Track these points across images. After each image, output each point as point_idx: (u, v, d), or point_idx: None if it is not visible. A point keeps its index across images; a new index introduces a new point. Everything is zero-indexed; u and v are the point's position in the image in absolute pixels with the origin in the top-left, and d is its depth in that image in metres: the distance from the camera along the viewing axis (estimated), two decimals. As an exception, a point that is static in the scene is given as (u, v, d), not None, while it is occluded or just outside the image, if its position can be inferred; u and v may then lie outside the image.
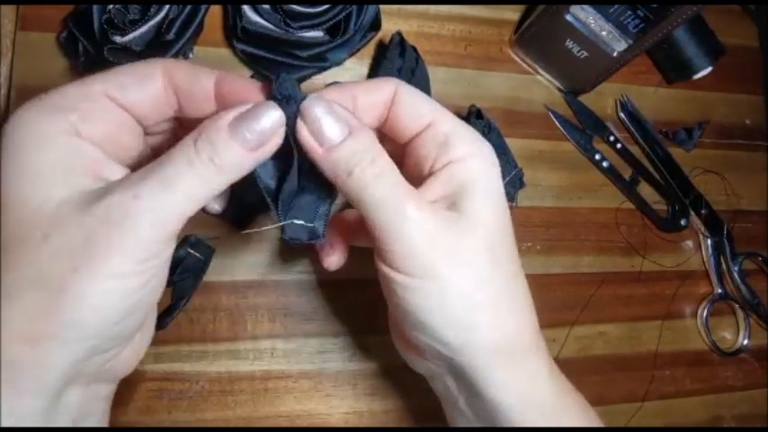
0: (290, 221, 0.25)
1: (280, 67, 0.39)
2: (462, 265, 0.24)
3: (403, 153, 0.27)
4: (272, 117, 0.22)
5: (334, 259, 0.30)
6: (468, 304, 0.24)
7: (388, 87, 0.25)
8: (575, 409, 0.27)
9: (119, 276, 0.20)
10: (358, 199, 0.23)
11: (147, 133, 0.26)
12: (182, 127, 0.27)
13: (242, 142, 0.22)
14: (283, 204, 0.24)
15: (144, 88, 0.23)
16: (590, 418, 0.27)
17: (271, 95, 0.23)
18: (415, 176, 0.26)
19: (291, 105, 0.23)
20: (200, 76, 0.24)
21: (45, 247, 0.20)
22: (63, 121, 0.21)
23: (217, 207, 0.27)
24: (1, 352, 0.20)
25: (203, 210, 0.29)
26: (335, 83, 0.41)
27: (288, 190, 0.25)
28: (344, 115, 0.23)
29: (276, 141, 0.23)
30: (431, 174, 0.25)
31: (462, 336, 0.24)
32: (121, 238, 0.20)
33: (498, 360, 0.25)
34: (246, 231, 0.37)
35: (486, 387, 0.25)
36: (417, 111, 0.26)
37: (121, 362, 0.24)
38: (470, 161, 0.25)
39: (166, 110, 0.25)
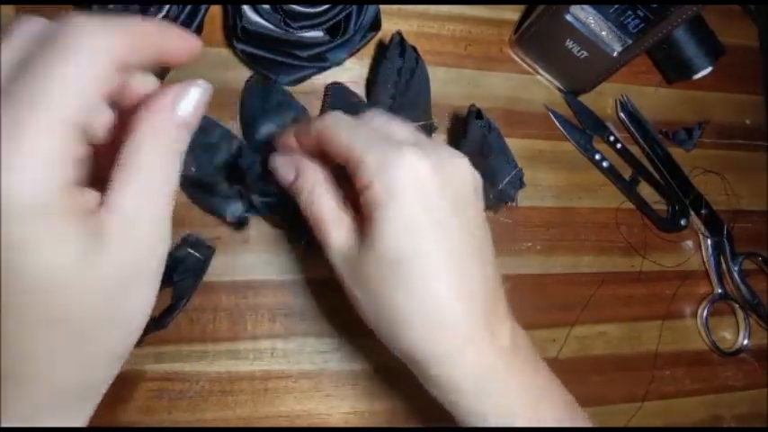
0: None
1: (280, 67, 0.39)
2: (363, 284, 0.28)
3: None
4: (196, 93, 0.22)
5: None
6: (377, 321, 0.28)
7: (317, 126, 0.29)
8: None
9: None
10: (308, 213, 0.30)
11: None
12: None
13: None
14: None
15: None
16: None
17: None
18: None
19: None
20: None
21: None
22: None
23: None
24: None
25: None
26: (335, 83, 0.41)
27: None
28: (294, 161, 0.31)
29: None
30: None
31: (392, 345, 0.28)
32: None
33: (434, 359, 0.27)
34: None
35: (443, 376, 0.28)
36: (333, 146, 0.28)
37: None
38: (369, 191, 0.26)
39: None
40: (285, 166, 0.31)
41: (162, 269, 0.22)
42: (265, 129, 0.39)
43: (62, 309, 0.19)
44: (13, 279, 0.18)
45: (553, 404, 0.29)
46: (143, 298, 0.22)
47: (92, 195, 0.20)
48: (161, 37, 0.21)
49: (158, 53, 0.21)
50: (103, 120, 0.21)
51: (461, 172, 0.28)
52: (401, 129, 0.29)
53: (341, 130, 0.28)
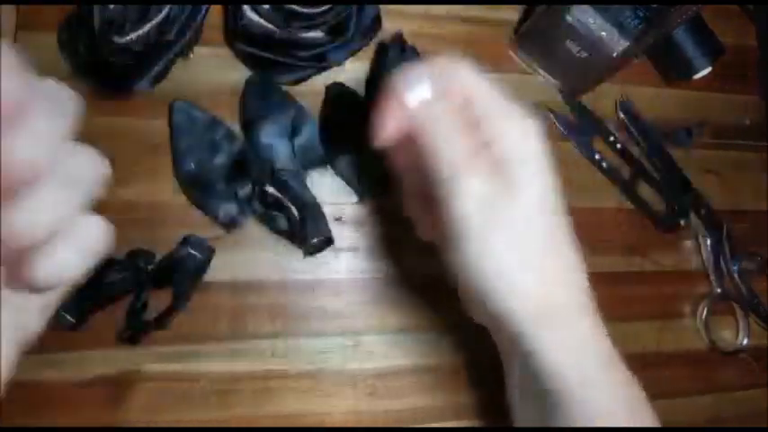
0: None
1: (280, 67, 0.39)
2: (498, 228, 0.26)
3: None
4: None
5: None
6: (500, 268, 0.26)
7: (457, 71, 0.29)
8: (618, 378, 0.28)
9: None
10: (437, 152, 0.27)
11: None
12: None
13: None
14: None
15: None
16: (631, 396, 0.28)
17: None
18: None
19: None
20: None
21: None
22: None
23: None
24: None
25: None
26: (335, 83, 0.41)
27: None
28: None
29: None
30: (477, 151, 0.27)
31: (499, 305, 0.26)
32: None
33: (539, 324, 0.26)
34: None
35: (532, 352, 0.26)
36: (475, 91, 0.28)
37: None
38: (505, 140, 0.27)
39: None
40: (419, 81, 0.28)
41: None
42: (266, 130, 0.39)
43: None
44: None
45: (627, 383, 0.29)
46: None
47: None
48: None
49: None
50: None
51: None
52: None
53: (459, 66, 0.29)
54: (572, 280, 0.28)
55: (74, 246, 0.18)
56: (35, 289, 0.18)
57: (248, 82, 0.39)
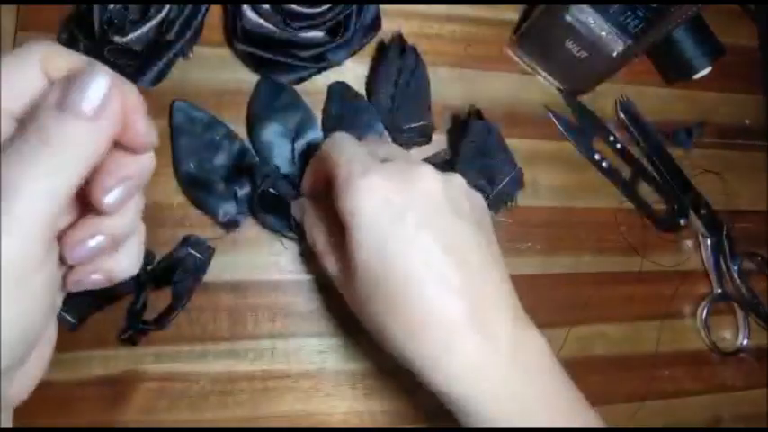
0: None
1: (280, 68, 0.39)
2: (355, 305, 0.30)
3: None
4: (101, 82, 0.19)
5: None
6: (376, 336, 0.29)
7: (322, 147, 0.32)
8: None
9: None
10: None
11: None
12: None
13: (76, 114, 0.19)
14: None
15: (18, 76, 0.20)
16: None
17: None
18: None
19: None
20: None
21: None
22: None
23: None
24: None
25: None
26: (338, 83, 0.41)
27: None
28: (300, 203, 0.34)
29: (113, 106, 0.19)
30: None
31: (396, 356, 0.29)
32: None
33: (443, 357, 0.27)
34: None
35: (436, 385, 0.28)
36: (326, 164, 0.30)
37: (14, 390, 0.23)
38: (340, 213, 0.28)
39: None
40: (295, 208, 0.36)
41: None
42: (269, 129, 0.39)
43: None
44: None
45: (558, 401, 0.29)
46: None
47: None
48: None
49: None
50: None
51: (426, 184, 0.28)
52: (384, 147, 0.32)
53: (332, 148, 0.30)
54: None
55: (138, 241, 0.23)
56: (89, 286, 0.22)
57: (261, 80, 0.39)
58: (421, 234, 0.27)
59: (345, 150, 0.30)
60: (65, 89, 0.19)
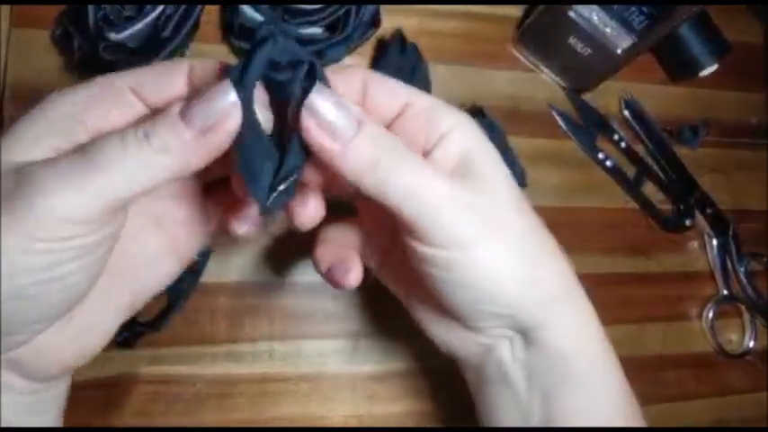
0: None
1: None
2: (500, 226, 0.24)
3: None
4: (224, 101, 0.21)
5: (309, 212, 0.25)
6: (517, 261, 0.24)
7: (359, 74, 0.25)
8: (614, 360, 0.29)
9: (12, 252, 0.19)
10: (382, 190, 0.22)
11: None
12: None
13: (191, 125, 0.20)
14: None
15: (165, 86, 0.23)
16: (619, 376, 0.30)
17: (235, 75, 0.22)
18: None
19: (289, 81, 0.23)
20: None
21: None
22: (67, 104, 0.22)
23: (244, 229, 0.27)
24: None
25: None
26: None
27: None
28: (350, 105, 0.22)
29: (229, 126, 0.21)
30: (425, 153, 0.25)
31: (523, 291, 0.25)
32: (19, 211, 0.19)
33: (557, 309, 0.26)
34: None
35: (550, 338, 0.26)
36: (392, 92, 0.25)
37: (36, 354, 0.22)
38: (460, 130, 0.25)
39: None
40: (345, 112, 0.22)
41: None
42: None
43: None
44: None
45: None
46: None
47: None
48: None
49: None
50: None
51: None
52: None
53: (391, 79, 0.25)
54: (563, 270, 0.28)
55: None
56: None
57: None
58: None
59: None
60: (189, 102, 0.21)
